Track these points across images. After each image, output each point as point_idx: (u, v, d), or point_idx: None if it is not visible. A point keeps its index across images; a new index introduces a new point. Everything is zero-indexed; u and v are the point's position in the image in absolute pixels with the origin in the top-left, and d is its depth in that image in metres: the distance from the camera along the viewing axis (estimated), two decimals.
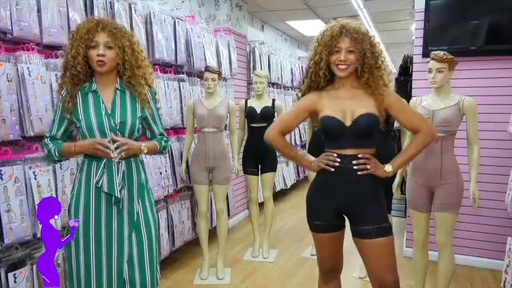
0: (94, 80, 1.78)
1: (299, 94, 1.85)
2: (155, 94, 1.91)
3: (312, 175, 2.72)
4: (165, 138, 1.96)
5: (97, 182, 1.72)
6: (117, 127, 1.74)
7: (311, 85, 1.80)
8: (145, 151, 1.81)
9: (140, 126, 1.83)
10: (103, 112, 1.74)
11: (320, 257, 1.88)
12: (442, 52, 2.36)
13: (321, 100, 1.76)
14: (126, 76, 1.77)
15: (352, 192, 1.72)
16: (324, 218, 1.77)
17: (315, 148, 3.26)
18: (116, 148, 1.70)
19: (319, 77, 1.75)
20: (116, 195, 1.72)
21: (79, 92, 1.75)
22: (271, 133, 1.81)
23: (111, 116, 1.74)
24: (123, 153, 1.71)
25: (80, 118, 1.73)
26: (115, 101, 1.77)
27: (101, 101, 1.75)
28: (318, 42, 1.75)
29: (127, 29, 1.84)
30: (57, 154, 1.75)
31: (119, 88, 1.79)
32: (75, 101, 1.73)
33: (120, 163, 1.75)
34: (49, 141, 1.77)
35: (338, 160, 1.71)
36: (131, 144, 1.74)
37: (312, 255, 3.67)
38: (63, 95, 1.74)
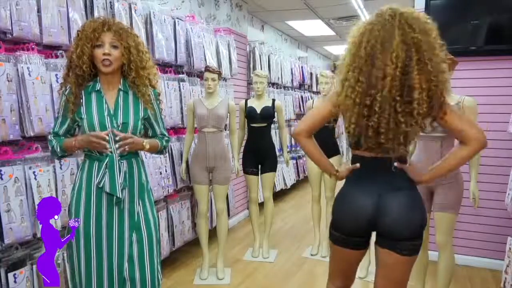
0: (98, 80, 1.78)
1: None
2: (159, 94, 1.91)
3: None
4: (166, 138, 1.97)
5: (99, 182, 1.71)
6: (119, 128, 1.74)
7: None
8: (147, 147, 1.81)
9: (142, 127, 1.84)
10: (106, 113, 1.74)
11: None
12: None
13: None
14: (131, 76, 1.77)
15: None
16: None
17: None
18: (117, 141, 1.70)
19: None
20: (118, 196, 1.72)
21: (83, 91, 1.75)
22: None
23: (114, 117, 1.74)
24: (127, 147, 1.71)
25: (83, 117, 1.73)
26: (118, 102, 1.77)
27: (104, 101, 1.75)
28: None
29: (132, 29, 1.84)
30: (59, 150, 1.76)
31: (122, 89, 1.79)
32: (78, 101, 1.73)
33: (122, 163, 1.75)
34: (52, 138, 1.79)
35: None
36: (135, 138, 1.75)
37: (312, 255, 3.67)
38: (67, 94, 1.74)
